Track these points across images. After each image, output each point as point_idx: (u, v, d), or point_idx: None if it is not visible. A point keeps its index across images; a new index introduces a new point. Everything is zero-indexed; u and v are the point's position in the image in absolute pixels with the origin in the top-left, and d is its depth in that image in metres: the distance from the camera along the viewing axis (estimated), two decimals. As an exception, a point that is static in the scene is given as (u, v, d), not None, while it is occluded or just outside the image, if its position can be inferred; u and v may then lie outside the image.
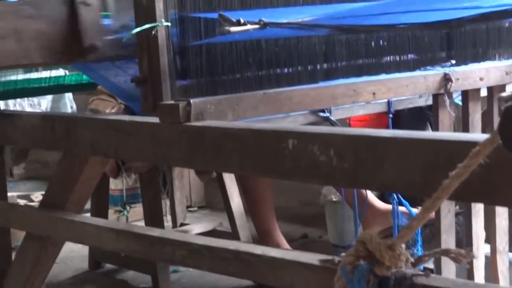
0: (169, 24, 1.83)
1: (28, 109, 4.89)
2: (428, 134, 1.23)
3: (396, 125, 3.18)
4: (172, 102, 1.70)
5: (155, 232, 1.76)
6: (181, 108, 1.65)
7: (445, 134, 1.21)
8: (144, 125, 1.76)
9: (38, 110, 4.90)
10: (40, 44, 1.98)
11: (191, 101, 1.66)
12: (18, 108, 4.86)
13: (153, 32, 1.82)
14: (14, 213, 2.22)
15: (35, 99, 4.86)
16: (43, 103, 4.92)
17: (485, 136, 1.09)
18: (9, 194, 3.82)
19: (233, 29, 1.74)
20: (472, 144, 1.10)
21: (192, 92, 1.91)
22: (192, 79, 1.91)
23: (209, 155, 1.58)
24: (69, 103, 5.00)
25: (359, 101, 2.01)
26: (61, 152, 2.12)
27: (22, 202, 4.25)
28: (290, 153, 1.41)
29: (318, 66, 2.10)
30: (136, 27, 1.88)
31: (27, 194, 4.34)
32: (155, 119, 1.73)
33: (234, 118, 1.76)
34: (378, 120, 3.32)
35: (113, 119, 1.86)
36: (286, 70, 2.04)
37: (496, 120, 2.37)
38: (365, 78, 2.07)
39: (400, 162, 1.23)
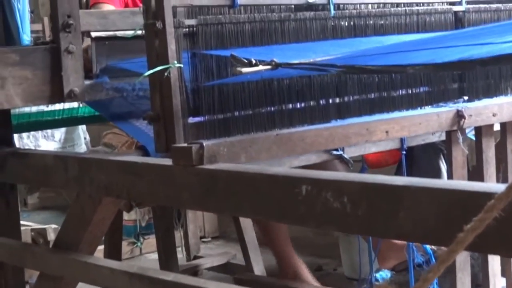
0: (181, 65, 1.84)
1: (42, 140, 4.91)
2: (442, 183, 1.22)
3: (409, 158, 3.17)
4: (185, 145, 1.70)
5: (169, 276, 1.75)
6: (194, 151, 1.65)
7: (460, 183, 1.20)
8: (157, 167, 1.75)
9: (52, 142, 4.92)
10: (22, 90, 2.06)
11: (204, 143, 1.66)
12: (32, 139, 4.88)
13: (165, 74, 1.83)
14: (28, 253, 2.22)
15: (49, 131, 4.87)
16: (57, 135, 4.93)
17: (500, 186, 1.08)
18: (22, 228, 3.83)
19: (245, 70, 1.74)
20: (487, 195, 1.09)
21: (205, 129, 1.92)
22: (205, 115, 1.92)
23: (222, 199, 1.58)
24: (82, 134, 5.01)
25: (372, 140, 2.00)
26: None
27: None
28: (304, 198, 1.40)
29: (330, 101, 2.10)
30: (149, 68, 1.89)
31: (40, 231, 4.32)
32: (167, 161, 1.73)
33: (247, 160, 1.75)
34: (392, 152, 3.30)
35: (126, 161, 1.86)
36: (298, 105, 2.04)
37: (510, 157, 2.37)
38: (378, 117, 2.07)
39: (415, 211, 1.22)
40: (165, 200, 1.77)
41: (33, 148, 4.85)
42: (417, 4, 2.30)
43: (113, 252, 3.41)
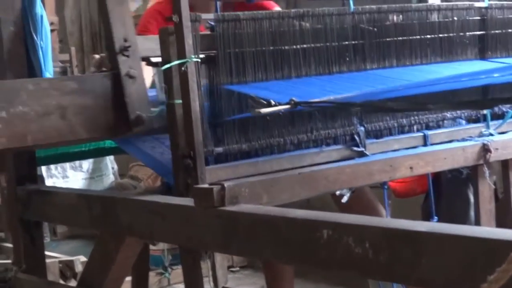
0: (199, 60, 1.81)
1: (70, 171, 4.93)
2: (466, 230, 1.19)
3: (437, 187, 3.13)
4: (207, 186, 1.68)
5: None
6: (215, 192, 1.63)
7: (484, 230, 1.18)
8: (178, 208, 1.74)
9: (80, 172, 4.94)
10: (85, 119, 1.93)
11: (225, 185, 1.64)
12: (59, 170, 4.90)
13: (182, 68, 1.80)
14: (52, 292, 2.22)
15: (76, 161, 4.88)
16: (85, 165, 4.95)
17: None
18: (50, 260, 3.84)
19: (264, 110, 1.73)
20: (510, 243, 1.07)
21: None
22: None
23: (243, 242, 1.56)
24: (110, 164, 5.02)
25: (396, 176, 1.98)
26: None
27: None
28: (325, 243, 1.38)
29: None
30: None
31: (68, 263, 4.32)
32: (189, 202, 1.71)
33: (269, 200, 1.74)
34: (420, 181, 3.26)
35: (149, 201, 1.85)
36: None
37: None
38: (402, 152, 2.04)
39: (437, 258, 1.20)
40: (187, 241, 1.76)
41: (61, 178, 4.88)
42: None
43: (141, 283, 3.38)
